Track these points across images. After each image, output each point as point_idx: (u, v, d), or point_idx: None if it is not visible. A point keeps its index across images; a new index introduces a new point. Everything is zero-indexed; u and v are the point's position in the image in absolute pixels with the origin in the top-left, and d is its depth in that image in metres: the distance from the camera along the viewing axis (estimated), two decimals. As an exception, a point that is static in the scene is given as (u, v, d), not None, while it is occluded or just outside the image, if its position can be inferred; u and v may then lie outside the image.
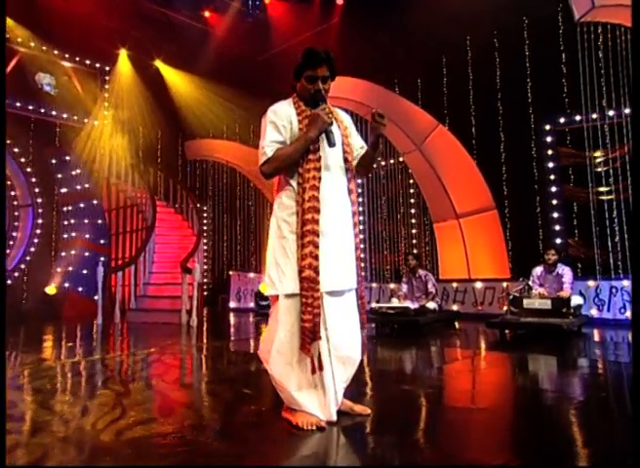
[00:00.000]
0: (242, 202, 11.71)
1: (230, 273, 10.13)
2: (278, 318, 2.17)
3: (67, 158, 10.25)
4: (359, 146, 2.42)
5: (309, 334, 2.06)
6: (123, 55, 11.68)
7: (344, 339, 2.18)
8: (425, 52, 9.30)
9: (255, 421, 2.28)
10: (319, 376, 2.12)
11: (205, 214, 11.87)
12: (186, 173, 12.44)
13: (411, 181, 9.41)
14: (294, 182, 2.20)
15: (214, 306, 10.53)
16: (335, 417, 2.14)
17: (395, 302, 6.57)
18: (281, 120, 2.21)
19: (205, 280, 10.41)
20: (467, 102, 9.07)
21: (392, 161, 9.84)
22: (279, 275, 2.16)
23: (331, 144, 2.18)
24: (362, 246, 9.90)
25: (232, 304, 9.93)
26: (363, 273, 2.41)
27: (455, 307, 8.00)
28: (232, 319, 8.63)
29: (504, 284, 7.73)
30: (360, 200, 10.36)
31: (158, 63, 12.32)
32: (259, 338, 5.96)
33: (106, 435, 2.07)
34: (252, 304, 9.81)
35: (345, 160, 2.31)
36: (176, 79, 12.54)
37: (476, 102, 9.03)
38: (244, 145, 10.88)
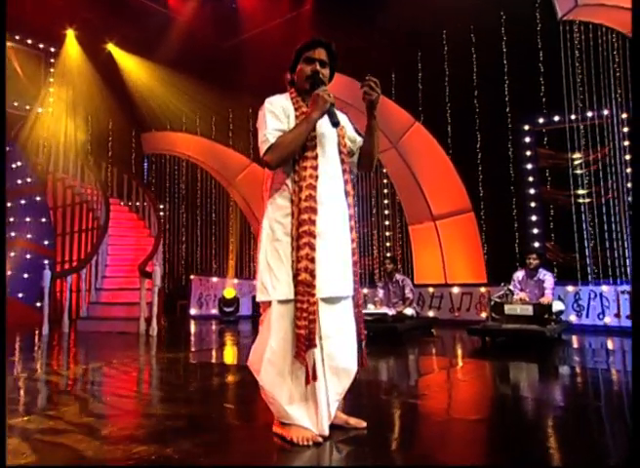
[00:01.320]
0: (203, 200, 11.55)
1: (191, 277, 9.96)
2: (270, 326, 2.14)
3: (7, 149, 9.81)
4: (358, 141, 2.41)
5: (304, 342, 2.05)
6: (70, 35, 11.30)
7: (339, 349, 2.17)
8: (400, 45, 9.47)
9: (243, 437, 2.25)
10: (312, 388, 2.11)
11: (162, 213, 11.64)
12: (142, 167, 12.16)
13: (385, 181, 9.55)
14: (289, 181, 2.18)
15: (172, 313, 10.33)
16: (327, 432, 2.13)
17: (372, 308, 6.65)
18: (279, 111, 2.20)
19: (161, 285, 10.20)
20: (443, 100, 9.29)
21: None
22: (272, 280, 2.13)
23: (335, 124, 2.17)
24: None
25: (193, 311, 9.77)
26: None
27: (431, 313, 8.16)
28: (194, 327, 8.48)
29: (482, 289, 7.95)
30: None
31: (111, 47, 11.99)
32: (224, 348, 5.89)
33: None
34: (214, 311, 9.68)
35: (342, 160, 2.31)
36: (130, 65, 12.25)
37: (452, 100, 9.27)
38: (208, 140, 10.75)
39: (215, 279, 10.02)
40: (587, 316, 6.76)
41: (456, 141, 9.05)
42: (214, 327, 8.46)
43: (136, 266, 7.65)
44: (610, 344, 5.71)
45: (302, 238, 2.09)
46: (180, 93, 11.68)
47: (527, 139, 8.46)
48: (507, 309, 5.66)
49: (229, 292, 9.15)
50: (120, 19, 11.26)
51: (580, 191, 7.87)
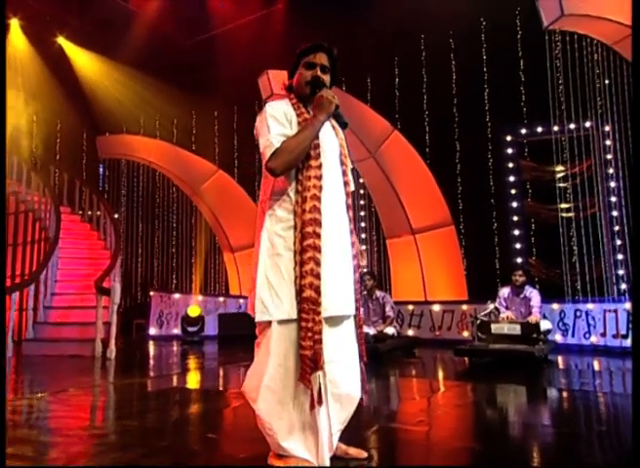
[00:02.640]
0: (164, 209, 11.37)
1: (150, 294, 9.74)
2: (270, 348, 2.10)
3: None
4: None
5: (310, 364, 2.02)
6: (15, 25, 11.00)
7: (343, 374, 2.16)
8: (376, 48, 9.65)
9: (235, 473, 2.21)
10: (312, 417, 2.09)
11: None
12: (97, 173, 11.88)
13: (361, 192, 9.63)
14: (291, 191, 2.17)
15: (127, 334, 10.05)
16: (328, 463, 2.11)
17: (350, 328, 6.65)
18: (281, 116, 2.20)
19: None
20: (421, 107, 9.50)
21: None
22: (272, 298, 2.10)
23: (343, 125, 2.22)
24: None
25: (152, 331, 9.54)
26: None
27: (410, 332, 8.23)
28: (155, 349, 8.28)
29: (464, 306, 8.08)
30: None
31: (62, 41, 11.74)
32: (191, 373, 5.77)
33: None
34: (176, 331, 9.49)
35: (344, 172, 2.33)
36: (84, 61, 12.01)
37: (430, 107, 9.48)
38: (171, 144, 10.63)
39: (177, 295, 9.82)
40: (573, 335, 6.95)
41: (434, 151, 9.24)
42: (176, 348, 8.26)
43: (89, 282, 7.42)
44: (599, 365, 5.89)
45: (307, 252, 2.07)
46: (138, 93, 11.52)
47: (509, 151, 8.72)
48: (494, 328, 5.78)
49: (194, 311, 8.99)
50: (72, 9, 11.07)
51: (563, 205, 8.14)
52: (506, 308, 6.32)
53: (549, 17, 6.19)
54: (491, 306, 6.16)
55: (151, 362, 7.06)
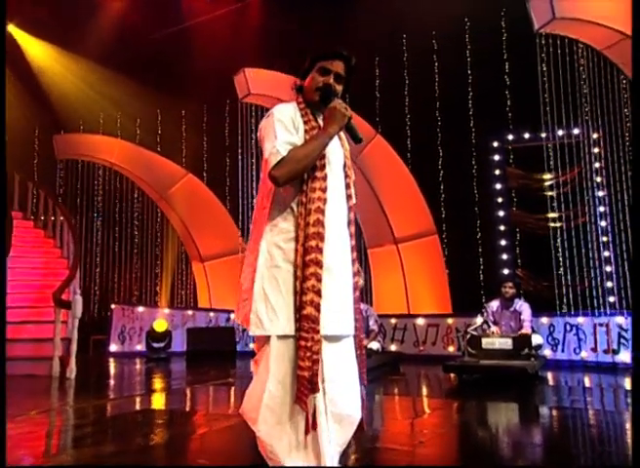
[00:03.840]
0: (127, 215, 11.15)
1: (112, 307, 9.53)
2: (269, 366, 2.09)
3: None
4: None
5: (307, 385, 2.03)
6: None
7: (343, 394, 2.16)
8: (355, 47, 9.70)
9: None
10: (312, 438, 2.08)
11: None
12: (49, 175, 11.57)
13: (341, 198, 9.64)
14: (294, 202, 2.18)
15: (84, 351, 9.80)
16: (331, 485, 2.11)
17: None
18: (289, 122, 2.20)
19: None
20: (402, 110, 9.60)
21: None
22: (268, 312, 2.10)
23: (357, 140, 2.22)
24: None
25: (114, 347, 9.32)
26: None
27: (393, 347, 8.27)
28: (117, 367, 8.13)
29: (449, 320, 8.17)
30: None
31: (12, 29, 11.45)
32: (157, 393, 5.65)
33: None
34: (140, 347, 9.31)
35: (347, 185, 2.34)
36: (37, 51, 11.75)
37: (412, 111, 9.59)
38: (137, 145, 10.46)
39: (141, 309, 9.63)
40: (563, 350, 7.11)
41: (416, 156, 9.34)
42: (140, 366, 8.13)
43: (45, 294, 7.24)
44: (591, 382, 6.03)
45: (309, 267, 2.08)
46: (97, 88, 11.33)
47: (496, 157, 8.88)
48: (485, 343, 5.86)
49: (160, 325, 8.83)
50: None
51: (551, 214, 8.33)
52: (495, 322, 6.42)
53: (540, 20, 6.38)
54: (480, 320, 6.25)
55: (114, 382, 6.91)
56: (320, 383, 2.09)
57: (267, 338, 2.11)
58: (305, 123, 2.22)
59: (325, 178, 2.18)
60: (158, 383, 6.62)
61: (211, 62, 10.27)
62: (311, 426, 2.05)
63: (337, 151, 2.30)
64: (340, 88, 2.31)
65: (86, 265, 10.88)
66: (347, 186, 2.32)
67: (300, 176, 2.16)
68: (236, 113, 10.25)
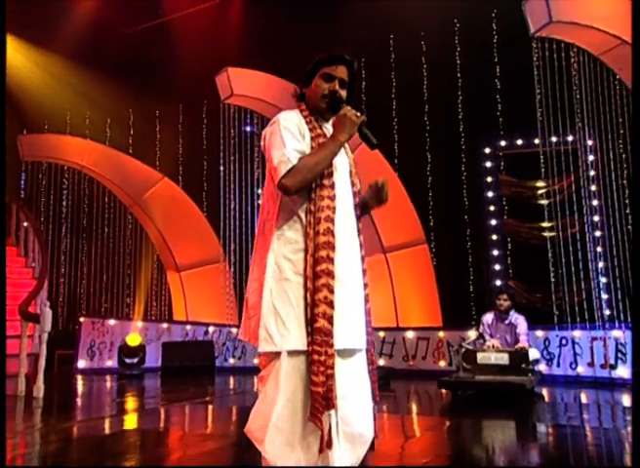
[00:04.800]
0: (97, 222, 10.98)
1: (80, 320, 9.37)
2: (279, 382, 2.09)
3: None
4: None
5: (322, 402, 2.03)
6: None
7: (356, 411, 2.17)
8: (340, 47, 9.74)
9: None
10: (323, 457, 2.08)
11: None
12: (13, 178, 11.35)
13: (325, 205, 9.65)
14: (302, 211, 2.20)
15: (48, 367, 9.61)
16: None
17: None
18: (295, 130, 2.23)
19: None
20: (389, 113, 9.66)
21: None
22: (279, 327, 2.11)
23: (372, 145, 2.25)
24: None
25: (82, 364, 9.15)
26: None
27: (382, 362, 8.28)
28: (86, 385, 8.00)
29: (440, 333, 8.21)
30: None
31: (-27, 21, 11.25)
32: (129, 414, 5.57)
33: None
34: (111, 363, 9.16)
35: (354, 193, 2.37)
36: None
37: (400, 114, 9.66)
38: (111, 148, 10.35)
39: (112, 322, 9.48)
40: (558, 365, 7.18)
41: (403, 162, 9.37)
42: (111, 384, 8.02)
43: (8, 306, 7.09)
44: (589, 398, 6.12)
45: (320, 278, 2.10)
46: (64, 85, 11.17)
47: (487, 164, 8.98)
48: (480, 358, 5.90)
49: (134, 339, 8.71)
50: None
51: (545, 224, 8.45)
52: (490, 335, 6.47)
53: (537, 23, 6.49)
54: (472, 333, 6.29)
55: (83, 401, 6.83)
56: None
57: (276, 354, 2.12)
58: (311, 130, 2.25)
59: (333, 186, 2.21)
60: (131, 402, 6.54)
61: (188, 60, 10.22)
62: (327, 445, 2.05)
63: (342, 159, 2.32)
64: (344, 93, 2.34)
65: (52, 275, 10.68)
66: (354, 195, 2.35)
67: (309, 185, 2.18)
68: (214, 114, 10.22)
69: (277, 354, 2.11)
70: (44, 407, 5.83)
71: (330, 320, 2.07)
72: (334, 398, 2.05)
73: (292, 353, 2.09)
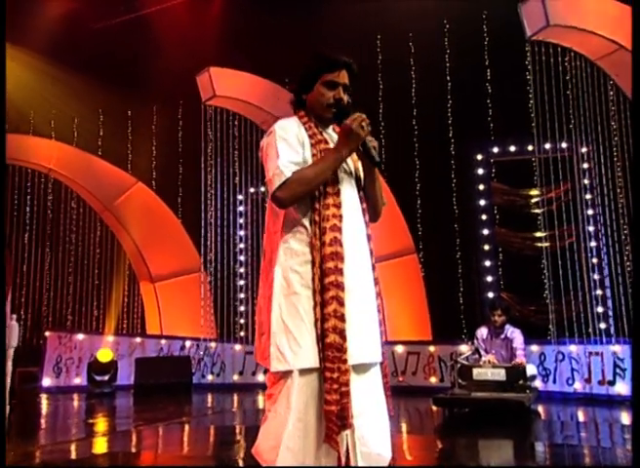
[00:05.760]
0: (64, 228, 10.81)
1: (45, 334, 9.21)
2: (290, 402, 2.09)
3: None
4: None
5: (337, 421, 2.02)
6: None
7: (373, 430, 2.17)
8: (325, 46, 9.78)
9: None
10: None
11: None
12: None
13: (310, 213, 9.65)
14: (306, 221, 2.21)
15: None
16: None
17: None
18: (294, 139, 2.23)
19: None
20: (376, 117, 9.71)
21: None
22: (291, 344, 2.11)
23: (374, 162, 2.25)
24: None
25: (47, 382, 8.99)
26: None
27: (369, 379, 8.27)
28: (51, 405, 7.86)
29: (431, 348, 8.26)
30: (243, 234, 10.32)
31: None
32: (102, 435, 5.49)
33: None
34: (79, 380, 9.02)
35: (361, 199, 2.37)
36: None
37: (387, 118, 9.70)
38: (82, 151, 10.24)
39: (81, 336, 9.34)
40: (555, 381, 7.27)
41: (392, 168, 9.37)
42: (79, 403, 7.91)
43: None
44: (587, 416, 6.21)
45: (329, 291, 2.10)
46: (27, 82, 11.01)
47: (479, 171, 9.08)
48: (476, 373, 5.95)
49: (105, 355, 8.57)
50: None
51: (538, 233, 8.57)
52: (485, 351, 6.52)
53: (533, 26, 6.63)
54: (465, 348, 6.33)
55: (49, 423, 6.72)
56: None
57: (287, 373, 2.11)
58: (311, 137, 2.26)
59: (338, 194, 2.22)
60: (101, 424, 6.44)
61: (163, 58, 10.14)
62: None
63: (348, 163, 2.33)
64: (346, 98, 2.35)
65: (15, 285, 10.50)
66: (362, 200, 2.36)
67: (304, 198, 2.19)
68: (191, 115, 10.17)
69: (288, 372, 2.10)
70: (11, 430, 5.71)
71: (342, 334, 2.07)
72: (349, 417, 2.05)
73: (304, 370, 2.09)
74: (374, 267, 2.35)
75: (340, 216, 2.19)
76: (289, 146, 2.20)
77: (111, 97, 10.65)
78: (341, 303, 2.10)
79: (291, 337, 2.10)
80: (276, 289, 2.18)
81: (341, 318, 2.08)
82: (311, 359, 2.08)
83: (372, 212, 2.42)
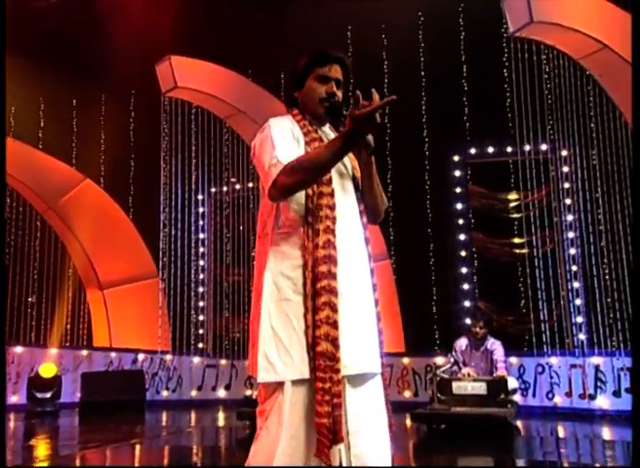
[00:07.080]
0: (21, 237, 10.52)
1: (-20, 346, 8.96)
2: (282, 417, 2.09)
3: None
4: None
5: (328, 435, 2.03)
6: None
7: (371, 448, 2.18)
8: (293, 39, 9.82)
9: None
10: None
11: None
12: None
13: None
14: (298, 223, 2.22)
15: None
16: None
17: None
18: (288, 133, 2.26)
19: None
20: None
21: (251, 185, 10.02)
22: (280, 353, 2.12)
23: (371, 151, 2.25)
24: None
25: (-19, 399, 8.75)
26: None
27: (339, 393, 8.32)
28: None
29: (405, 360, 8.36)
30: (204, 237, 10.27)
31: None
32: (42, 460, 5.37)
33: None
34: (17, 399, 8.80)
35: (359, 199, 2.39)
36: None
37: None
38: (17, 141, 9.98)
39: (19, 349, 9.10)
40: (534, 395, 7.47)
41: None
42: (16, 424, 7.69)
43: None
44: (567, 431, 6.39)
45: (321, 296, 2.12)
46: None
47: (456, 173, 9.26)
48: (456, 387, 6.06)
49: (47, 369, 8.38)
50: None
51: (517, 239, 8.79)
52: (463, 363, 6.65)
53: (516, 22, 6.82)
54: (441, 360, 6.43)
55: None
56: (345, 436, 2.10)
57: (278, 384, 2.12)
58: (305, 134, 2.28)
59: (332, 195, 2.23)
60: (42, 447, 6.22)
61: (113, 42, 9.96)
62: None
63: (344, 163, 2.34)
64: (340, 94, 2.38)
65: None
66: (359, 201, 2.38)
67: (305, 187, 2.19)
68: (145, 106, 10.07)
69: (279, 384, 2.11)
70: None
71: (334, 342, 2.08)
72: (341, 431, 2.05)
73: (296, 383, 2.09)
74: (372, 272, 2.37)
75: (334, 218, 2.20)
76: (284, 138, 2.22)
77: (54, 83, 10.42)
78: (335, 309, 2.10)
79: (281, 346, 2.11)
80: (266, 295, 2.19)
81: (334, 325, 2.09)
82: (303, 369, 2.08)
83: (371, 213, 2.44)
